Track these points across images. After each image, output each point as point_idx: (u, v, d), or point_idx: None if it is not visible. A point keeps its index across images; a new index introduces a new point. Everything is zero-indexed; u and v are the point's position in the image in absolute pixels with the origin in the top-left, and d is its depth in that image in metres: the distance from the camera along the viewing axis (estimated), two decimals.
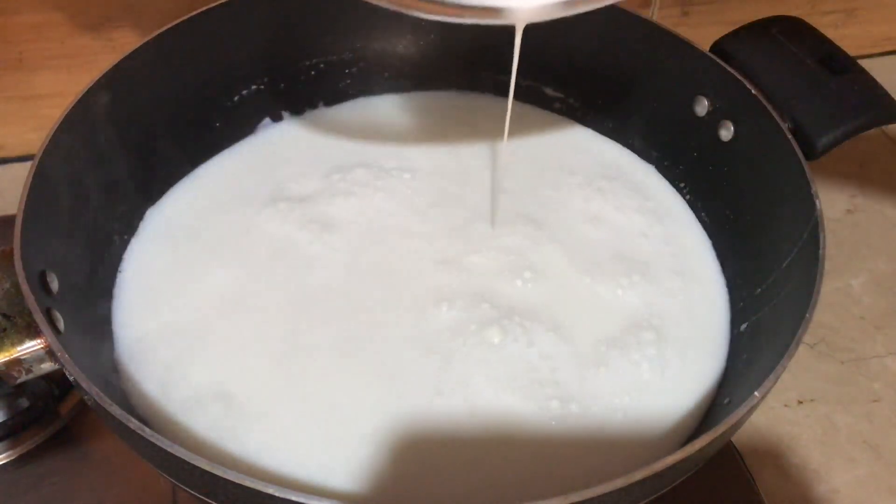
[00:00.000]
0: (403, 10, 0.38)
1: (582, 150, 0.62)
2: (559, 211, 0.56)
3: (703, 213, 0.57)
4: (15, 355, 0.39)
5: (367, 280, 0.52)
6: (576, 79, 0.62)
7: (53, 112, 0.46)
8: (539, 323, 0.49)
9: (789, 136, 0.48)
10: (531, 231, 0.55)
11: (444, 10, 0.38)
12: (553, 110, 0.64)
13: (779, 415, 0.58)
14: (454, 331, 0.49)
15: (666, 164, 0.60)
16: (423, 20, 0.61)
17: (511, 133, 0.62)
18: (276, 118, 0.63)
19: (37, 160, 0.44)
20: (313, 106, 0.64)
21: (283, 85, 0.62)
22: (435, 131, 0.63)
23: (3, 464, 0.52)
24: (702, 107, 0.56)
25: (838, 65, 0.51)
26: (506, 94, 0.64)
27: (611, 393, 0.47)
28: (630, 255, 0.54)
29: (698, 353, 0.50)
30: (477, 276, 0.52)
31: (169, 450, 0.33)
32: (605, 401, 0.46)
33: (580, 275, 0.52)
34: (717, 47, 0.55)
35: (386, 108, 0.65)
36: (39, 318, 0.38)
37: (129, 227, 0.54)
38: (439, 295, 0.51)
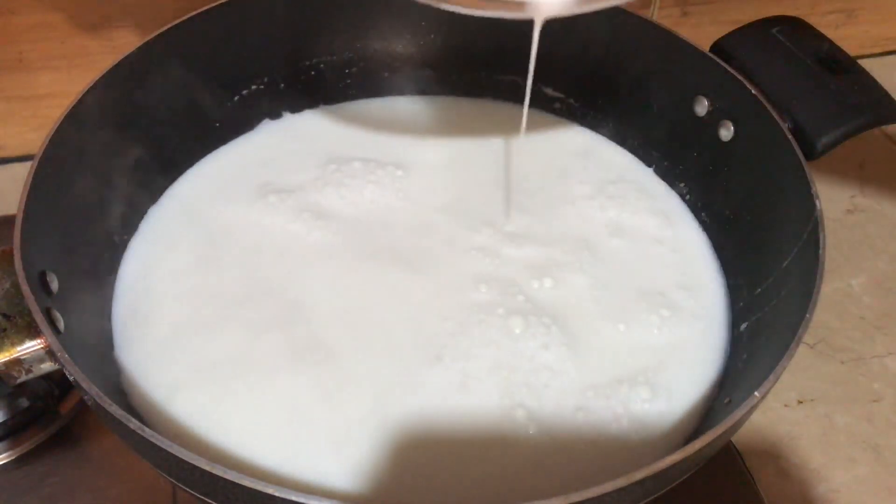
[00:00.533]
0: (432, 4, 0.39)
1: (583, 154, 0.62)
2: (577, 225, 0.56)
3: (703, 214, 0.57)
4: (15, 355, 0.39)
5: (372, 266, 0.52)
6: (576, 79, 0.62)
7: (53, 112, 0.46)
8: (562, 331, 0.49)
9: (789, 136, 0.48)
10: (557, 248, 0.54)
11: (470, 4, 0.39)
12: (553, 111, 0.64)
13: (779, 415, 0.58)
14: (481, 308, 0.50)
15: (666, 164, 0.60)
16: (423, 21, 0.62)
17: (509, 136, 0.62)
18: (276, 118, 0.63)
19: (37, 160, 0.44)
20: (313, 106, 0.64)
21: (283, 85, 0.62)
22: (433, 133, 0.63)
23: (3, 464, 0.52)
24: (702, 107, 0.55)
25: (838, 65, 0.51)
26: (504, 97, 0.65)
27: (571, 435, 0.46)
28: (651, 282, 0.53)
29: (699, 359, 0.50)
30: (497, 276, 0.52)
31: (169, 450, 0.33)
32: (565, 438, 0.45)
33: (615, 322, 0.50)
34: (717, 47, 0.55)
35: (385, 108, 0.65)
36: (39, 318, 0.38)
37: (128, 226, 0.54)
38: (462, 281, 0.51)
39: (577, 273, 0.52)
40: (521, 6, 0.39)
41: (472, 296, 0.51)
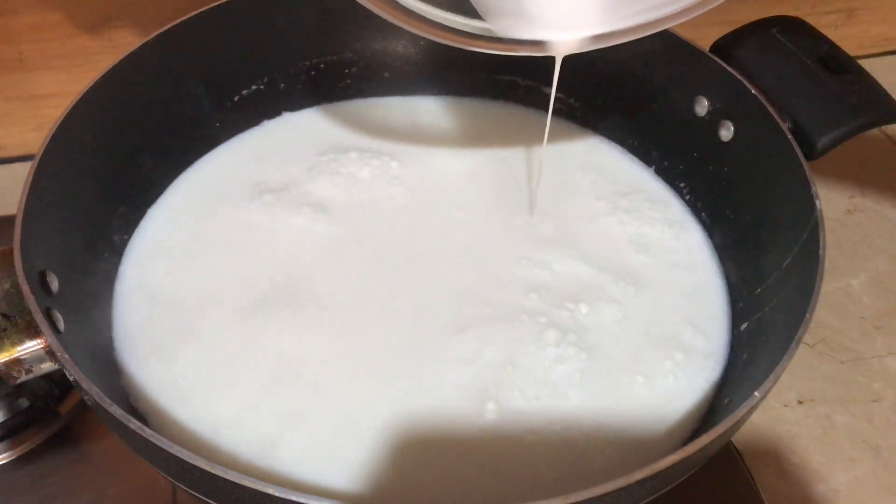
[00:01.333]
0: (460, 46, 0.42)
1: (583, 156, 0.62)
2: (601, 240, 0.55)
3: (703, 214, 0.57)
4: (15, 355, 0.39)
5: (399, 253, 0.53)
6: (576, 79, 0.62)
7: (53, 112, 0.46)
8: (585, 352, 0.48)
9: (789, 136, 0.48)
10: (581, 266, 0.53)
11: (495, 46, 0.42)
12: (553, 110, 0.64)
13: (779, 415, 0.58)
14: (524, 310, 0.50)
15: (666, 164, 0.60)
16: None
17: (510, 141, 0.62)
18: (276, 117, 0.62)
19: (37, 160, 0.44)
20: (312, 105, 0.64)
21: (283, 85, 0.62)
22: (433, 133, 0.63)
23: (3, 464, 0.52)
24: (702, 107, 0.55)
25: (838, 65, 0.51)
26: (504, 97, 0.65)
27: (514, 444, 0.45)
28: (672, 320, 0.51)
29: (698, 361, 0.49)
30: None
31: (169, 450, 0.33)
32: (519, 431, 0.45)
33: (633, 374, 0.48)
34: (717, 47, 0.55)
35: (385, 108, 0.65)
36: (39, 318, 0.38)
37: (128, 226, 0.54)
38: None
39: (610, 303, 0.51)
40: (543, 46, 0.43)
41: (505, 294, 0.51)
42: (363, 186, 0.57)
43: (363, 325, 0.49)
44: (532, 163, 0.61)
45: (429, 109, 0.65)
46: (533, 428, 0.45)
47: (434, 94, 0.65)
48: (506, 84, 0.64)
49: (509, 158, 0.61)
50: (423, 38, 0.63)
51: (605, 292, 0.52)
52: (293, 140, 0.61)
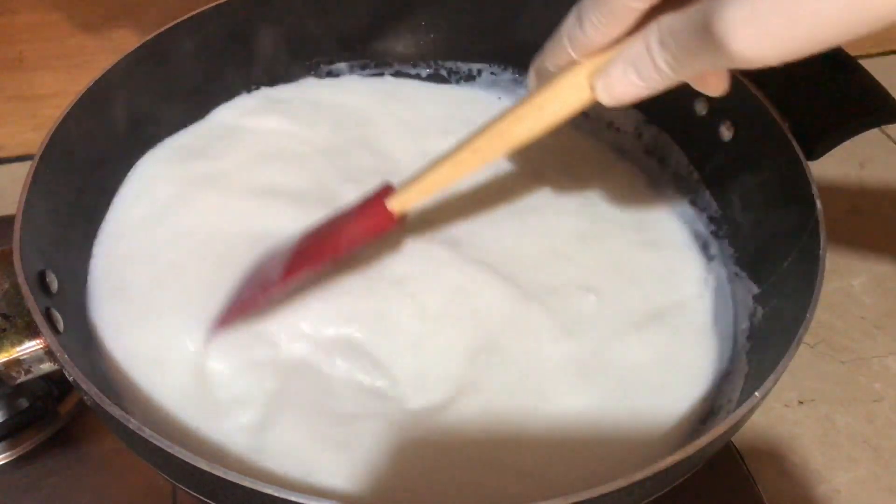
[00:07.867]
0: None
1: (582, 158, 0.61)
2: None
3: (703, 214, 0.57)
4: (15, 355, 0.39)
5: None
6: None
7: (53, 112, 0.46)
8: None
9: (789, 136, 0.48)
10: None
11: None
12: None
13: (779, 415, 0.58)
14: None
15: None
16: (422, 21, 0.62)
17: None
18: None
19: (37, 160, 0.44)
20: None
21: (282, 85, 0.62)
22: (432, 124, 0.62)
23: (3, 464, 0.52)
24: (702, 106, 0.55)
25: (838, 65, 0.51)
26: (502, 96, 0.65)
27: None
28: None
29: (698, 356, 0.49)
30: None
31: (169, 450, 0.33)
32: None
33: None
34: None
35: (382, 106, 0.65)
36: (39, 318, 0.38)
37: None
38: None
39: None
40: None
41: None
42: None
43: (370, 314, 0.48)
44: (536, 164, 0.60)
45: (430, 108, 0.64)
46: (532, 426, 0.45)
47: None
48: (506, 82, 0.64)
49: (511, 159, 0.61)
50: (423, 39, 0.64)
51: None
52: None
